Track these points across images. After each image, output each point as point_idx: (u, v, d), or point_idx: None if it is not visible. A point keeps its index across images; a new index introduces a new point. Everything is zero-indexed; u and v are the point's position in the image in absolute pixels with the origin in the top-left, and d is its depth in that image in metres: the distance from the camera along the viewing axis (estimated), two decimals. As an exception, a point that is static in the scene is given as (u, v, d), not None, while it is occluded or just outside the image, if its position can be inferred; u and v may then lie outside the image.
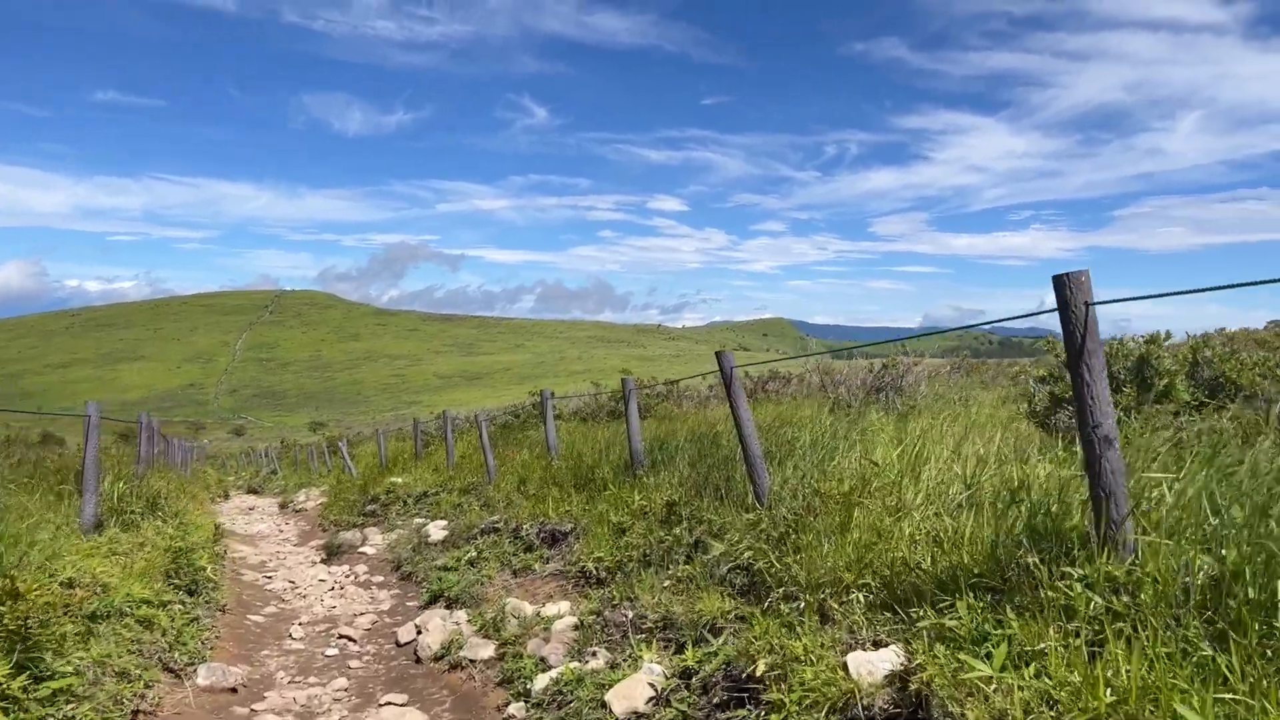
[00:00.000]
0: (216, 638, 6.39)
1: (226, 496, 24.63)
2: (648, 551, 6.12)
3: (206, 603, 7.01)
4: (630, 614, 5.34)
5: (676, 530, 6.04)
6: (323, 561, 10.91)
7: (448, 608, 7.52)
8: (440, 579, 7.95)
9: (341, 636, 7.03)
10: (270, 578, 9.78)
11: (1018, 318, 3.68)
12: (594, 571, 6.43)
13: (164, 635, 5.52)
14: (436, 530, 10.11)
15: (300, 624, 7.52)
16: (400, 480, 14.36)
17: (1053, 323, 3.04)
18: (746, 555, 4.96)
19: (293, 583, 9.46)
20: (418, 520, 11.32)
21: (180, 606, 6.07)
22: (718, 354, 5.40)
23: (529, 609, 6.24)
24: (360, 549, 10.97)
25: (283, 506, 20.37)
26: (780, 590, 4.26)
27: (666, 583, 5.55)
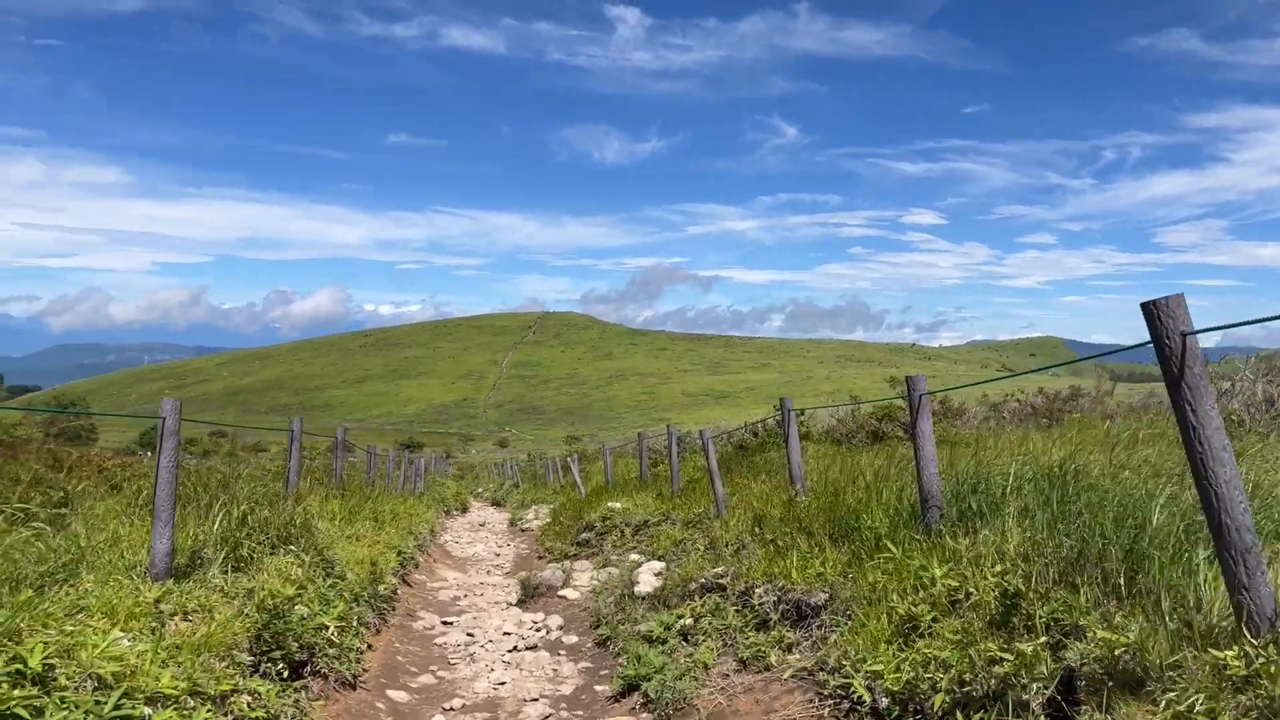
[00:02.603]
0: (313, 739, 4.48)
1: (465, 510, 24.17)
2: (967, 678, 3.43)
3: (323, 676, 5.17)
4: (950, 831, 2.69)
5: (1025, 647, 3.30)
6: (518, 603, 9.04)
7: (643, 707, 5.22)
8: (640, 658, 5.70)
9: (491, 744, 4.92)
10: (450, 625, 8.00)
11: None
12: (867, 699, 3.81)
13: (198, 754, 3.62)
14: (648, 577, 7.88)
15: (448, 711, 5.51)
16: (619, 506, 12.36)
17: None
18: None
19: (471, 635, 7.59)
20: (633, 556, 9.19)
21: (251, 698, 4.17)
22: (1150, 303, 2.57)
23: (756, 755, 3.75)
24: (560, 591, 8.99)
25: (511, 524, 19.25)
26: None
27: (1019, 763, 2.85)
